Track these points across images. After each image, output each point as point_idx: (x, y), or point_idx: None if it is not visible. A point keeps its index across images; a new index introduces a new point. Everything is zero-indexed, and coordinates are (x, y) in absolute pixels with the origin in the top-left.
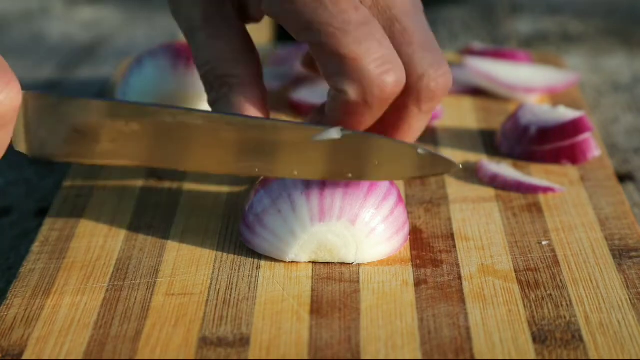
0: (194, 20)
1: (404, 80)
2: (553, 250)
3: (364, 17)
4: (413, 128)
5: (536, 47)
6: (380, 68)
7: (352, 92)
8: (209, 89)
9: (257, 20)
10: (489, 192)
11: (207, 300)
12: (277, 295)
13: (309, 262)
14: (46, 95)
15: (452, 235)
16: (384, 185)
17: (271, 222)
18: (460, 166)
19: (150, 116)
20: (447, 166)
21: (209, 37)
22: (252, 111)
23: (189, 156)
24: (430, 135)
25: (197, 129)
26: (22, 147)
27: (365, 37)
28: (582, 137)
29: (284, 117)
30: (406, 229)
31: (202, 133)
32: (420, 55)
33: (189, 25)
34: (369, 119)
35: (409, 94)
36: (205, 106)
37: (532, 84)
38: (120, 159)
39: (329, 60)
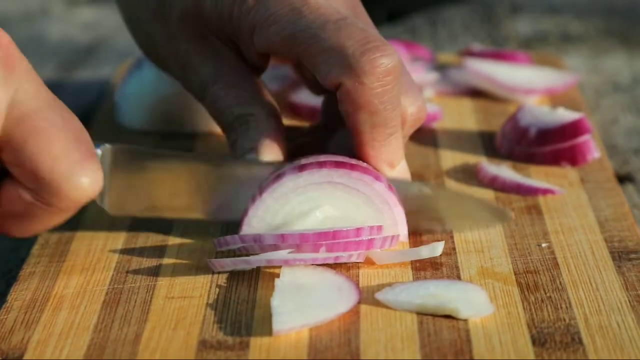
0: (206, 76)
1: (396, 59)
2: (552, 253)
3: (343, 15)
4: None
5: (536, 48)
6: (364, 47)
7: (346, 81)
8: (229, 132)
9: (261, 68)
10: (489, 193)
11: (207, 303)
12: None
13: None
14: (128, 148)
15: (452, 237)
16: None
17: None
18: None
19: (223, 168)
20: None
21: (224, 88)
22: (269, 143)
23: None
24: (430, 137)
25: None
26: (105, 204)
27: (344, 26)
28: (581, 138)
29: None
30: (405, 229)
31: None
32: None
33: (200, 85)
34: (386, 108)
35: None
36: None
37: (532, 85)
38: (198, 212)
39: (319, 63)
